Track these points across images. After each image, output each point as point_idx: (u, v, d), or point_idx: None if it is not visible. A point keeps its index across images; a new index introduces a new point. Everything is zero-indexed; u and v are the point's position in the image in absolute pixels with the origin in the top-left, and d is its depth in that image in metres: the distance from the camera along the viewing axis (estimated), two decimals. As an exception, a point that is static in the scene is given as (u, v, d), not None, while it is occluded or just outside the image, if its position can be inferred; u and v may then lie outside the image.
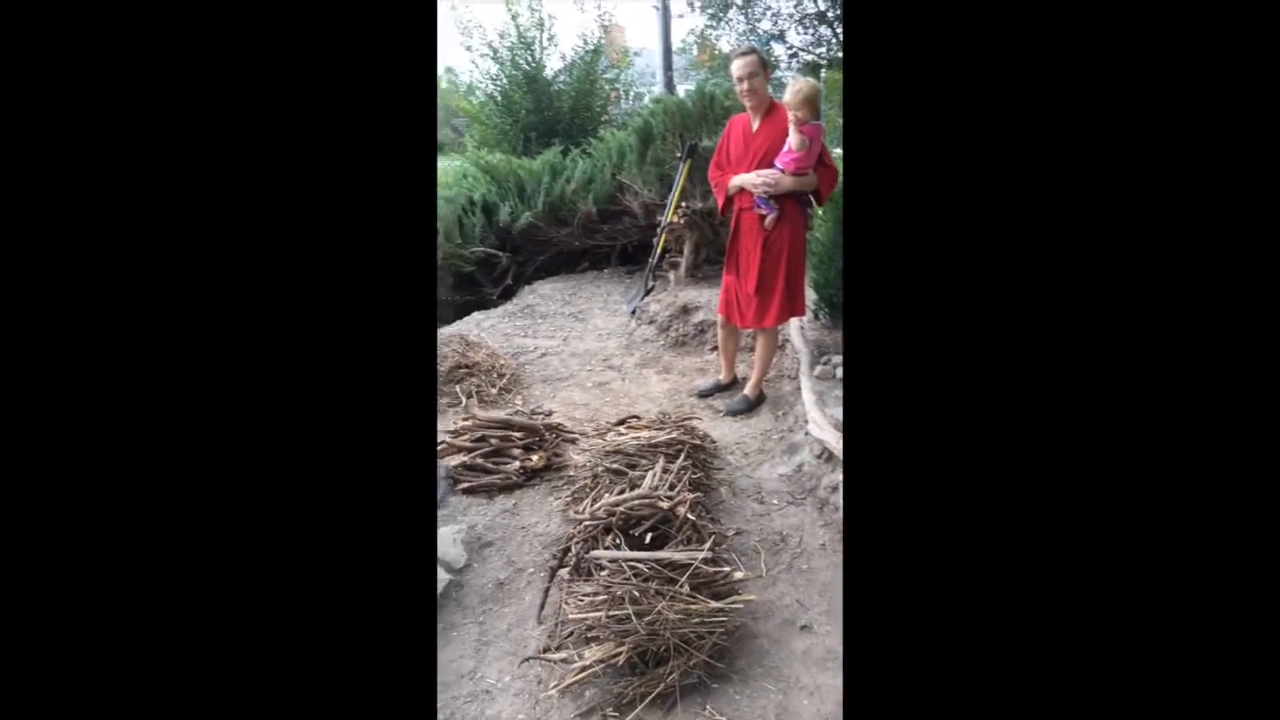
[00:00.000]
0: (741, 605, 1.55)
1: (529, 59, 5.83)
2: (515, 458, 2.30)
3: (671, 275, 3.99)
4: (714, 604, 1.47)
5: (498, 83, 5.91)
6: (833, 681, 1.40)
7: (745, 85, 2.41)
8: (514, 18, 5.81)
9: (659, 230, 3.84)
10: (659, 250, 3.90)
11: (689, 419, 2.46)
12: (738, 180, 2.51)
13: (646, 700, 1.34)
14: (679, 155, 3.80)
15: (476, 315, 4.11)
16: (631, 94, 7.44)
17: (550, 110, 5.77)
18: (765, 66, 2.46)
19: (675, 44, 8.89)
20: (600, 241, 4.59)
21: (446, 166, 5.43)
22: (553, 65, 6.09)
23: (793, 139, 2.34)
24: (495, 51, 5.84)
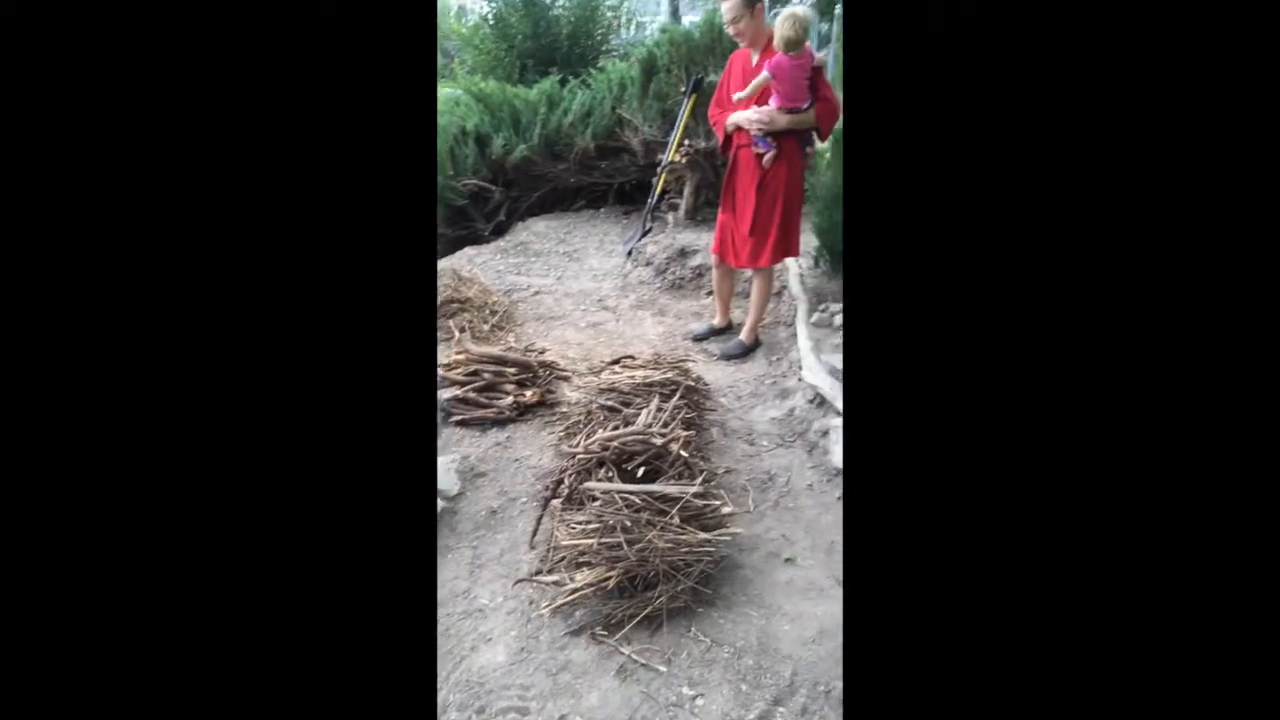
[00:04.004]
0: (729, 537, 1.60)
1: (527, -21, 5.50)
2: (508, 393, 2.30)
3: (670, 217, 3.91)
4: (702, 535, 1.52)
5: (493, 4, 5.59)
6: (813, 609, 1.46)
7: (732, 29, 2.40)
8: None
9: (659, 169, 3.72)
10: (658, 190, 3.79)
11: (683, 361, 2.47)
12: (734, 118, 2.46)
13: (634, 621, 1.39)
14: (683, 90, 3.65)
15: (469, 250, 4.03)
16: (634, 23, 7.08)
17: (548, 37, 5.48)
18: (753, 4, 2.35)
19: (682, -29, 8.38)
20: (597, 179, 4.46)
21: (438, 94, 5.19)
22: (552, -12, 5.76)
23: (759, 78, 2.30)
24: (492, -31, 5.50)
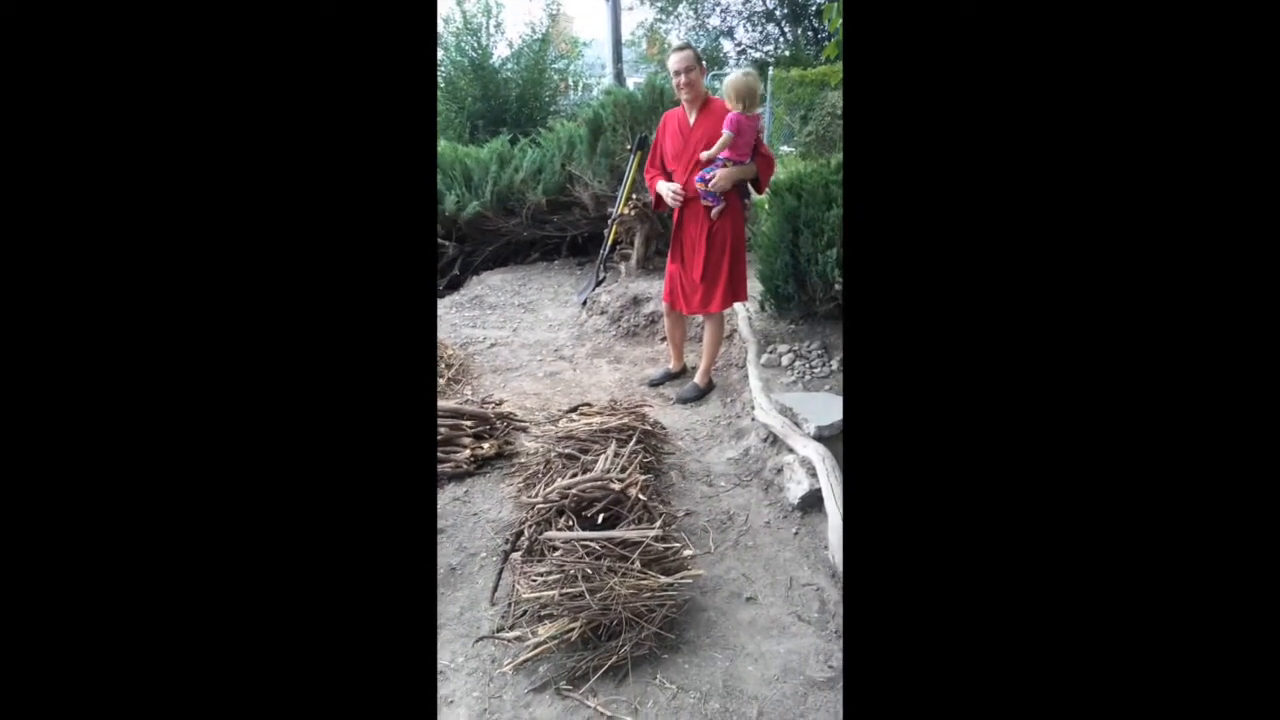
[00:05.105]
0: (690, 580, 1.61)
1: (475, 45, 5.72)
2: (466, 446, 2.29)
3: (623, 267, 4.02)
4: (664, 579, 1.53)
5: (442, 69, 5.78)
6: (775, 647, 1.47)
7: (683, 79, 2.54)
8: (459, 3, 5.69)
9: (610, 222, 3.86)
10: (610, 242, 3.92)
11: (640, 406, 2.51)
12: (664, 187, 2.64)
13: (599, 672, 1.38)
14: (629, 147, 3.83)
15: (423, 305, 4.02)
16: (581, 85, 7.40)
17: (497, 99, 5.69)
18: (700, 61, 2.56)
19: (625, 36, 8.88)
20: (550, 232, 4.57)
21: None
22: (500, 54, 6.01)
23: (723, 138, 2.47)
24: (440, 37, 5.71)
